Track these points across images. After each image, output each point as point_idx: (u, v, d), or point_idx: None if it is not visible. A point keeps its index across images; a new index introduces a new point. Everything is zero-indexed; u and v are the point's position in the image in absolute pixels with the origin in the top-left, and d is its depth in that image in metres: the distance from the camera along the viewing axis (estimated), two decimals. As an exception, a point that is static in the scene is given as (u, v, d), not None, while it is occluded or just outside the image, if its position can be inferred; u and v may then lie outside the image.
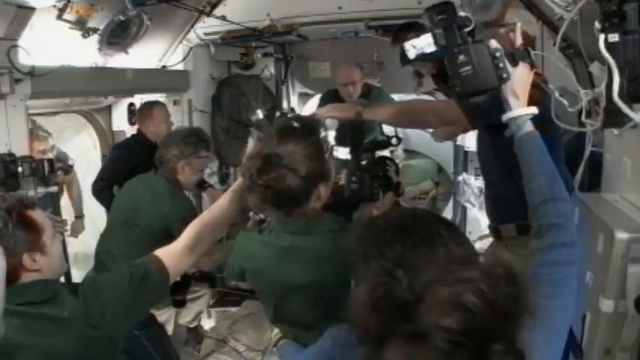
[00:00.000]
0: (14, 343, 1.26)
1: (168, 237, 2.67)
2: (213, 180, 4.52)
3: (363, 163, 2.13)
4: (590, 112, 1.45)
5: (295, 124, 1.41)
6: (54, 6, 2.43)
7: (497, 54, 1.24)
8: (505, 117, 1.30)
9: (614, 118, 1.25)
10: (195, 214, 2.83)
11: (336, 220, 1.53)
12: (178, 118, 4.10)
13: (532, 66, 1.31)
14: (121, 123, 3.84)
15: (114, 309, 1.39)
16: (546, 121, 1.37)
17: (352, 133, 2.61)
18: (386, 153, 4.33)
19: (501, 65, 1.24)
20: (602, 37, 1.18)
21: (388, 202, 1.87)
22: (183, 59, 3.86)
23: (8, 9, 2.22)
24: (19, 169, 2.46)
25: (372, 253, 0.89)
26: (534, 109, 1.28)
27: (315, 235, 1.49)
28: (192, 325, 3.73)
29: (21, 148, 2.53)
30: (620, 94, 1.16)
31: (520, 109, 1.28)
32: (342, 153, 3.31)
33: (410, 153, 6.47)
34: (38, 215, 1.49)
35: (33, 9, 2.29)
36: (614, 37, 1.17)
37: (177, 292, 2.73)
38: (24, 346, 1.28)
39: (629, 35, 1.16)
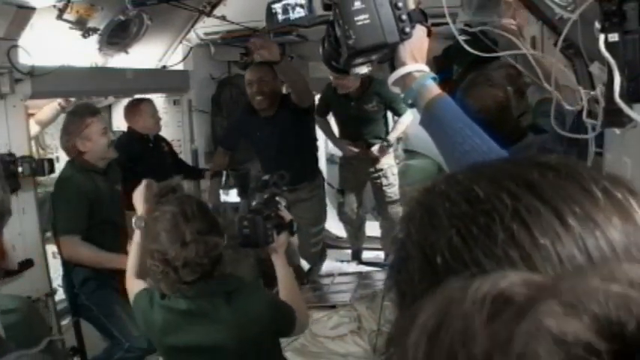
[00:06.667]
0: None
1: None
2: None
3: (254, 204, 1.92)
4: (591, 112, 1.45)
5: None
6: (54, 6, 2.43)
7: (400, 3, 1.05)
8: (399, 73, 1.11)
9: (615, 118, 1.24)
10: (82, 193, 2.67)
11: (231, 280, 1.57)
12: (178, 118, 4.11)
13: (429, 31, 1.15)
14: (121, 123, 3.83)
15: None
16: (442, 80, 1.18)
17: (238, 176, 2.56)
18: (390, 154, 4.32)
19: (404, 17, 1.05)
20: (602, 37, 1.18)
21: (283, 242, 1.75)
22: (183, 59, 3.86)
23: (8, 9, 2.21)
24: (19, 169, 2.46)
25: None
26: (426, 67, 1.12)
27: (212, 298, 1.50)
28: None
29: (21, 148, 2.52)
30: (621, 94, 1.16)
31: (418, 64, 1.11)
32: (232, 196, 3.10)
33: (410, 153, 6.44)
34: None
35: (33, 9, 2.29)
36: (614, 37, 1.17)
37: None
38: None
39: (629, 35, 1.15)
